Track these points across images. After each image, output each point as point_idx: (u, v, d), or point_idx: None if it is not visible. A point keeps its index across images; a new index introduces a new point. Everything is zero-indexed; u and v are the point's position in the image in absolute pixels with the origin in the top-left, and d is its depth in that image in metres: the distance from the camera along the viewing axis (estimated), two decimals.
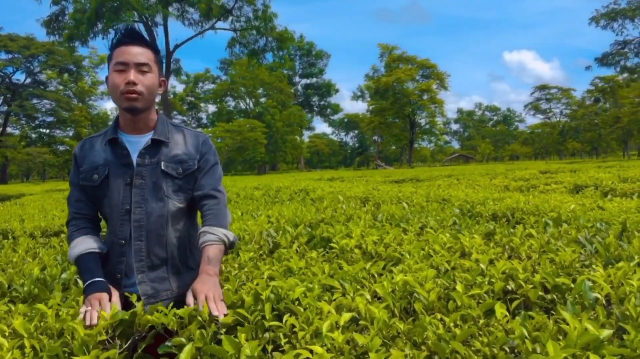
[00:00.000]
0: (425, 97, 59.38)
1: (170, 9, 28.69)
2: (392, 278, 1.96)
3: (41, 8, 37.99)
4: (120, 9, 25.10)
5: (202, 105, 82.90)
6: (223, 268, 2.23)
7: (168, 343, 1.59)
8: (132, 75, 1.88)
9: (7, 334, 1.57)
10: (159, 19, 29.53)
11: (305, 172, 58.90)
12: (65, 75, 65.00)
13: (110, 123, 2.12)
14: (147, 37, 2.05)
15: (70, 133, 68.49)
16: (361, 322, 1.55)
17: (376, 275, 2.04)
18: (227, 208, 2.08)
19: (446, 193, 6.28)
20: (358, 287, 1.88)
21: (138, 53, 1.92)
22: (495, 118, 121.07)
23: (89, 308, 1.69)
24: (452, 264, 2.18)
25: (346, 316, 1.50)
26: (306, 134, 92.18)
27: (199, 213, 2.13)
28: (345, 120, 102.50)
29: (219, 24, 31.56)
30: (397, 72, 58.94)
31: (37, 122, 65.63)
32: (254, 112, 67.15)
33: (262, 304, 1.71)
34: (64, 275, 2.76)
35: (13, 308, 1.81)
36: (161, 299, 1.92)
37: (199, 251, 1.93)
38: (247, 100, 70.72)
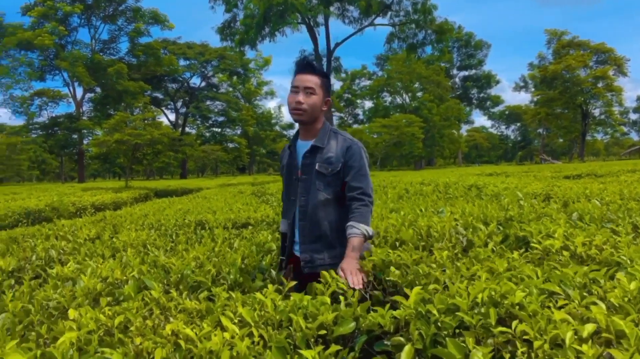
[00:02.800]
0: (600, 85, 54.09)
1: (331, 8, 29.46)
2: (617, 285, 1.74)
3: (215, 16, 41.60)
4: (286, 12, 26.37)
5: (358, 101, 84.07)
6: (420, 270, 2.16)
7: (386, 342, 1.56)
8: (300, 96, 2.52)
9: (235, 321, 1.66)
10: (320, 19, 30.51)
11: (463, 166, 57.08)
12: (234, 78, 70.13)
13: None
14: (314, 61, 2.87)
15: (238, 132, 73.86)
16: (603, 335, 1.38)
17: (601, 281, 1.82)
18: (370, 207, 2.57)
19: None
20: (585, 294, 1.69)
21: (307, 79, 2.54)
22: None
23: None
24: None
25: (589, 327, 1.34)
26: (464, 128, 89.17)
27: None
28: (507, 112, 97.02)
29: (378, 20, 31.76)
30: (567, 58, 54.34)
31: (210, 122, 71.86)
32: (411, 107, 66.49)
33: (479, 307, 1.61)
34: (261, 265, 2.91)
35: (234, 296, 1.92)
36: (316, 264, 2.54)
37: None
38: (404, 95, 70.20)
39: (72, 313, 1.85)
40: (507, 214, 3.59)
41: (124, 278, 2.71)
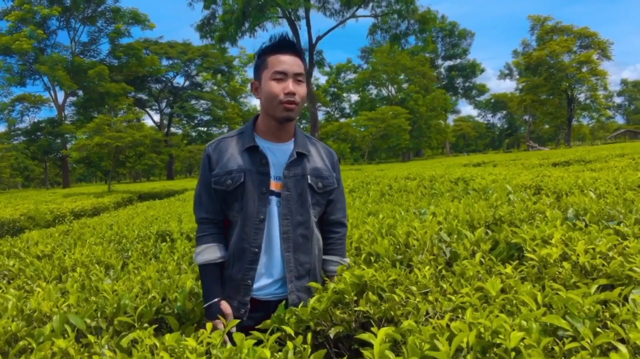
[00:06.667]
0: (584, 69, 54.03)
1: (311, 1, 29.02)
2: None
3: (194, 14, 41.07)
4: (265, 6, 25.90)
5: (344, 95, 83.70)
6: (396, 297, 1.78)
7: None
8: (292, 85, 1.91)
9: None
10: (301, 12, 30.08)
11: (451, 157, 56.98)
12: (219, 76, 69.46)
13: None
14: (294, 39, 2.07)
15: (225, 130, 73.21)
16: None
17: (617, 309, 1.45)
18: None
19: (638, 178, 5.28)
20: (598, 329, 1.33)
21: (295, 63, 1.95)
22: None
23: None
24: None
25: None
26: (451, 118, 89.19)
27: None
28: (492, 100, 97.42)
29: (360, 12, 31.36)
30: (551, 44, 54.26)
31: (196, 121, 71.16)
32: (397, 99, 66.25)
33: (463, 355, 1.25)
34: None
35: (158, 345, 1.53)
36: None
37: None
38: (389, 87, 69.96)
39: None
40: (496, 213, 3.23)
41: (56, 309, 2.33)
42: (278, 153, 2.02)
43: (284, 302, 1.89)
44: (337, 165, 2.18)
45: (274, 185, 1.99)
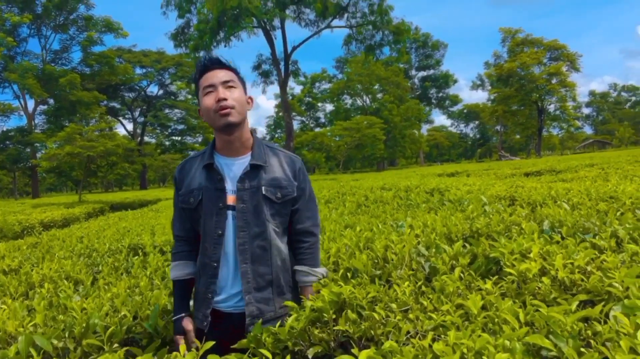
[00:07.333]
0: (554, 81, 55.23)
1: (286, 11, 29.10)
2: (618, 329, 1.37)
3: (168, 23, 41.02)
4: (240, 16, 25.84)
5: (319, 105, 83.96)
6: (376, 316, 1.75)
7: None
8: (221, 92, 1.97)
9: None
10: (276, 22, 30.14)
11: (425, 166, 57.51)
12: (193, 85, 68.69)
13: None
14: (223, 58, 2.12)
15: (199, 139, 72.68)
16: None
17: (599, 327, 1.44)
18: (319, 241, 2.28)
19: (609, 189, 5.35)
20: (582, 349, 1.31)
21: (221, 74, 2.02)
22: (633, 98, 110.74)
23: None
24: None
25: None
26: (424, 127, 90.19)
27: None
28: (465, 111, 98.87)
29: (335, 22, 31.76)
30: (521, 56, 55.41)
31: (170, 131, 70.40)
32: (371, 109, 66.71)
33: None
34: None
35: None
36: (266, 319, 1.98)
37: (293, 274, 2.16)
38: (364, 97, 70.41)
39: None
40: (473, 226, 3.22)
41: (22, 329, 2.23)
42: (235, 168, 2.07)
43: (260, 321, 1.86)
44: (300, 173, 2.17)
45: (231, 200, 2.04)
